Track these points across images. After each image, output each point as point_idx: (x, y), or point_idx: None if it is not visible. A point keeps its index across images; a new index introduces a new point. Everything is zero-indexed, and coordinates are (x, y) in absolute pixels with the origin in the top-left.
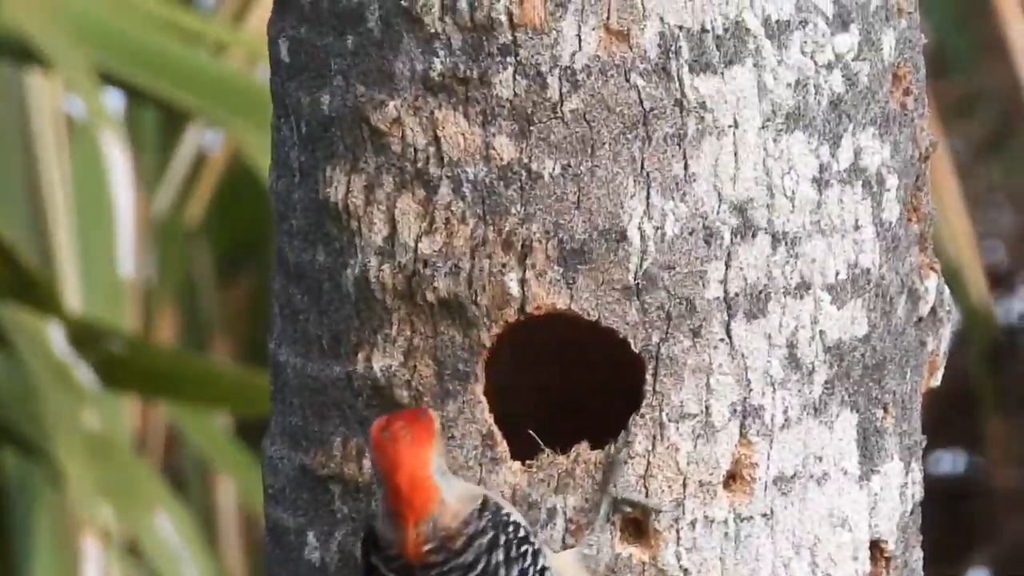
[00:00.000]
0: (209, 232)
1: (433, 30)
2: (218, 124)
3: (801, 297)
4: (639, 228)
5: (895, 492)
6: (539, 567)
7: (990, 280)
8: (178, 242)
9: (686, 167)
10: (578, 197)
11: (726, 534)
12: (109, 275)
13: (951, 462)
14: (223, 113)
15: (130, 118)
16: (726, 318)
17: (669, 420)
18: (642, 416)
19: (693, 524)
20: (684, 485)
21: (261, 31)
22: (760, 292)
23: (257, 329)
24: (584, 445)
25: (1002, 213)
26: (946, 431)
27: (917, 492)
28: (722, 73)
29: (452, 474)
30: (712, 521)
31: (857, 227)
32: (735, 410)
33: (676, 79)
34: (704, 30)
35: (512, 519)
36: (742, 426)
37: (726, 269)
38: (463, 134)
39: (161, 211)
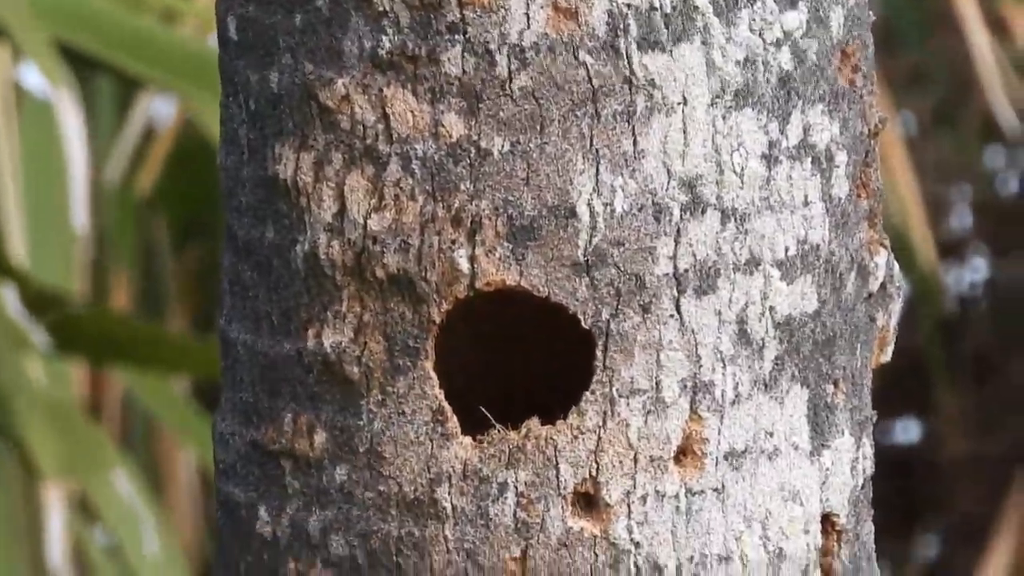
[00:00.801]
0: (162, 203)
1: (381, 8)
2: (174, 91)
3: (751, 273)
4: (588, 204)
5: (846, 467)
6: None
7: (941, 251)
8: (130, 212)
9: (635, 144)
10: (527, 174)
11: (677, 508)
12: (59, 233)
13: (902, 431)
14: (179, 81)
15: (83, 91)
16: (676, 294)
17: (619, 396)
18: (592, 392)
19: (644, 498)
20: (635, 460)
21: (211, 2)
22: (710, 268)
23: (210, 301)
24: (534, 420)
25: (952, 185)
26: (897, 400)
27: (868, 467)
28: (671, 51)
29: None
30: (663, 496)
31: (807, 203)
32: (685, 386)
33: (625, 56)
34: (652, 8)
35: None
36: (692, 402)
37: (675, 245)
38: (412, 111)
39: (113, 181)
